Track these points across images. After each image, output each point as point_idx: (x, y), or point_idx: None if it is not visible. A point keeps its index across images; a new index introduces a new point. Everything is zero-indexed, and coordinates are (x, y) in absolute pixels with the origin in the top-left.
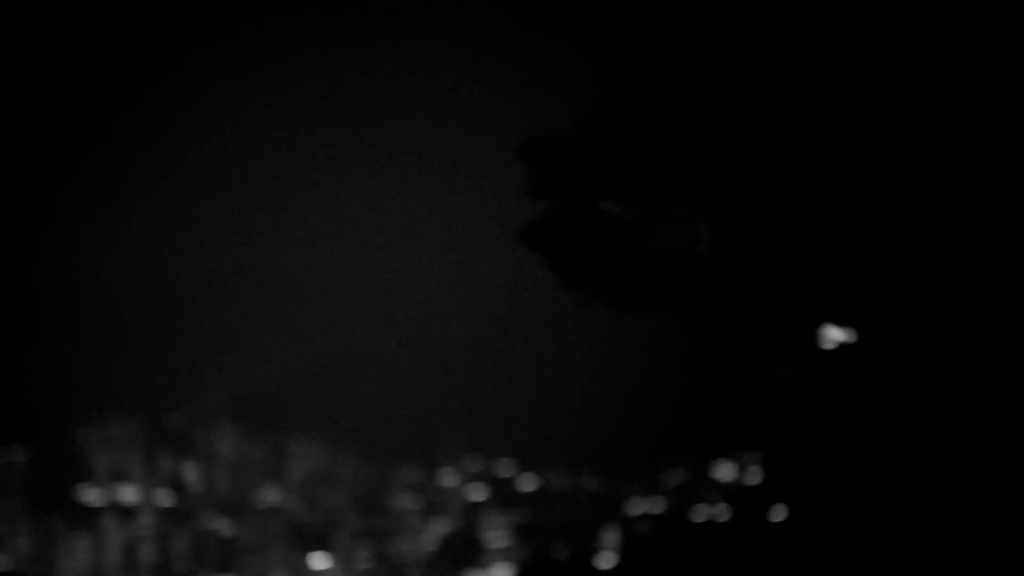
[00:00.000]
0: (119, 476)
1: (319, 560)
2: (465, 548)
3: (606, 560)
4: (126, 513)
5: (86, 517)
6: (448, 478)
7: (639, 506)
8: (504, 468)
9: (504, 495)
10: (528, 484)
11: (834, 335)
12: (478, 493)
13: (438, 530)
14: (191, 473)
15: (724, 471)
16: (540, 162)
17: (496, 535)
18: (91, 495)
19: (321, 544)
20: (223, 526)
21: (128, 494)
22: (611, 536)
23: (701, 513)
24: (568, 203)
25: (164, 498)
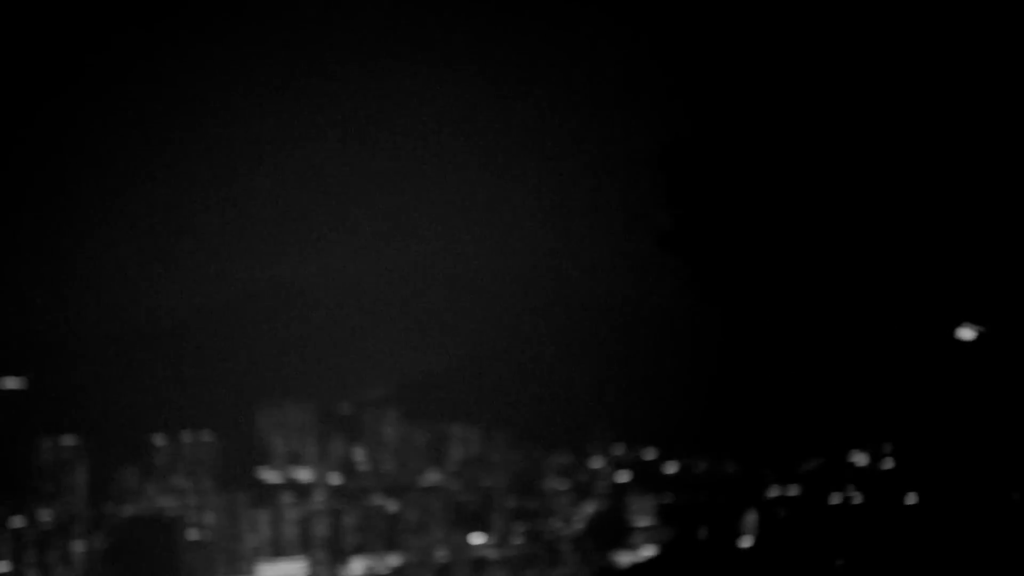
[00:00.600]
0: (295, 458)
1: (477, 537)
2: (612, 528)
3: (745, 541)
4: (302, 491)
5: (266, 494)
6: (596, 462)
7: (777, 490)
8: (648, 453)
9: (648, 479)
10: (671, 468)
11: (966, 333)
12: (624, 476)
13: (587, 510)
14: (359, 456)
15: (859, 458)
16: (681, 169)
17: (641, 516)
18: (271, 475)
19: (479, 523)
20: (389, 505)
21: (303, 474)
22: (750, 518)
23: (835, 498)
24: (710, 210)
25: (335, 478)
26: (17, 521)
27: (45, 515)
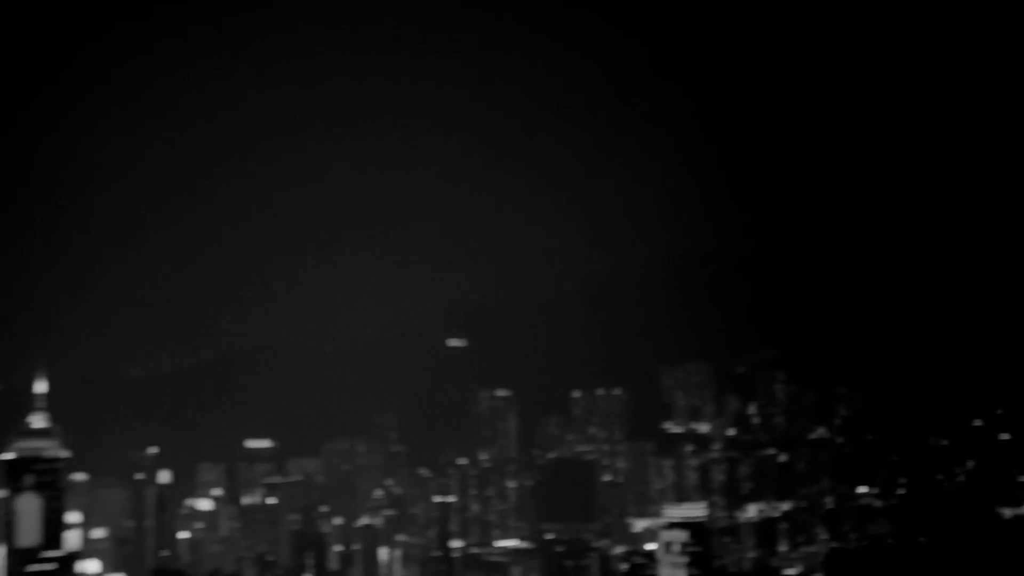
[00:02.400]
0: (696, 413)
1: (862, 488)
2: (994, 482)
3: None
4: (701, 442)
5: (670, 444)
6: (977, 421)
7: None
8: None
9: None
10: None
11: None
12: (1004, 435)
13: (968, 465)
14: (753, 411)
15: None
16: None
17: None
18: (674, 427)
19: (864, 474)
20: (780, 456)
21: (702, 427)
22: None
23: None
24: None
25: (731, 431)
26: (462, 460)
27: (484, 456)
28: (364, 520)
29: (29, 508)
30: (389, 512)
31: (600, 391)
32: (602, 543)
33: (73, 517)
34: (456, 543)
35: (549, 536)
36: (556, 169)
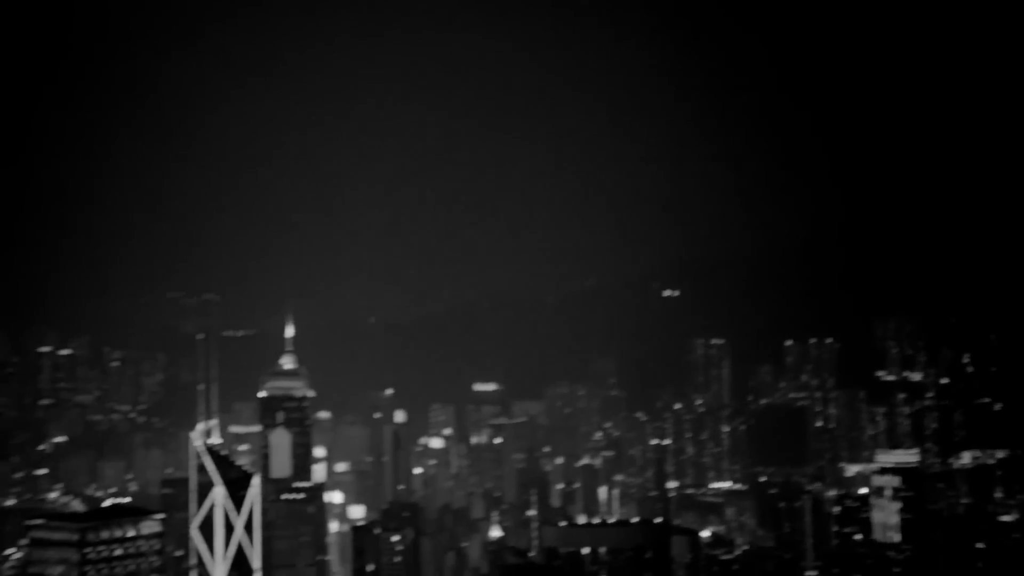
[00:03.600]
0: (908, 362)
1: None
2: None
3: None
4: (913, 390)
5: (882, 392)
6: None
7: None
8: None
9: None
10: None
11: None
12: None
13: None
14: (966, 360)
15: None
16: None
17: None
18: (886, 375)
19: None
20: (996, 405)
21: (915, 376)
22: None
23: None
24: None
25: (944, 380)
26: (677, 405)
27: (698, 401)
28: (584, 460)
29: (281, 443)
30: (607, 453)
31: (812, 340)
32: (814, 486)
33: (319, 452)
34: (672, 484)
35: (762, 479)
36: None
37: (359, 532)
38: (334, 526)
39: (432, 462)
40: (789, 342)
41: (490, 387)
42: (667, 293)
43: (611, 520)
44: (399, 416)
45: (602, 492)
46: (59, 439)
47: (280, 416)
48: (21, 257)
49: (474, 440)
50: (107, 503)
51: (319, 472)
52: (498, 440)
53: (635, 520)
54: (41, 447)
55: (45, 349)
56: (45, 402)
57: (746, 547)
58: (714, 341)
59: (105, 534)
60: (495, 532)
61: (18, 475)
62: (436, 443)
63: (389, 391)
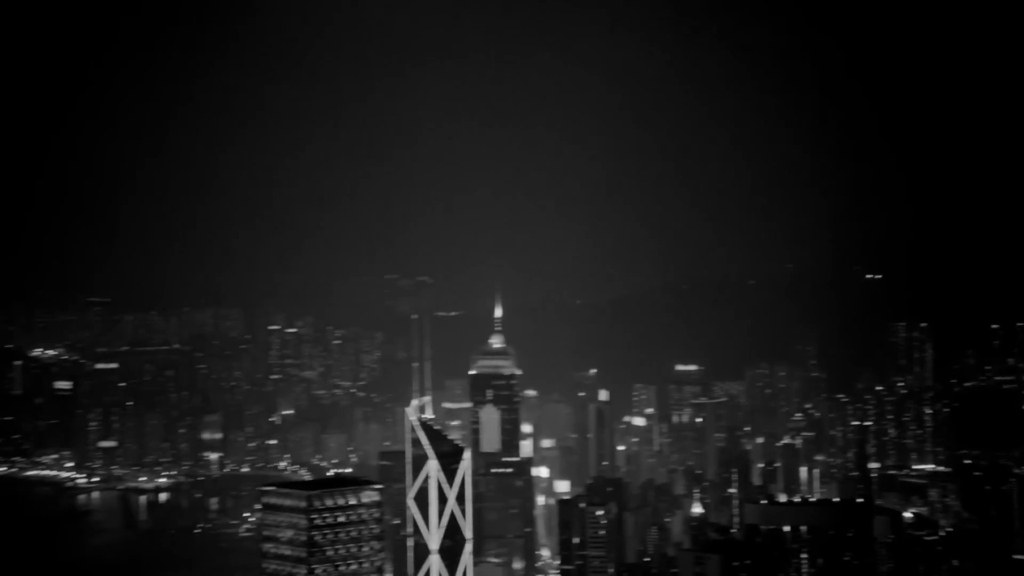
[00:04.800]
0: None
1: None
2: None
3: None
4: None
5: None
6: None
7: None
8: None
9: None
10: None
11: None
12: None
13: None
14: None
15: None
16: None
17: None
18: None
19: None
20: None
21: None
22: None
23: None
24: None
25: None
26: (878, 387)
27: (900, 383)
28: (785, 440)
29: (490, 419)
30: (808, 433)
31: (1020, 324)
32: (1023, 469)
33: (526, 428)
34: (873, 464)
35: (967, 461)
36: None
37: (565, 506)
38: (540, 499)
39: (635, 440)
40: (995, 325)
41: (691, 368)
42: (869, 276)
43: (812, 499)
44: (602, 395)
45: (803, 472)
46: (287, 412)
47: (489, 393)
48: (257, 244)
49: (675, 419)
50: (330, 473)
51: (526, 447)
52: (699, 419)
53: (836, 500)
54: (271, 419)
55: (274, 327)
56: (274, 377)
57: (950, 529)
58: (918, 324)
59: (329, 502)
60: (697, 509)
61: (252, 444)
62: (639, 421)
63: (593, 371)
